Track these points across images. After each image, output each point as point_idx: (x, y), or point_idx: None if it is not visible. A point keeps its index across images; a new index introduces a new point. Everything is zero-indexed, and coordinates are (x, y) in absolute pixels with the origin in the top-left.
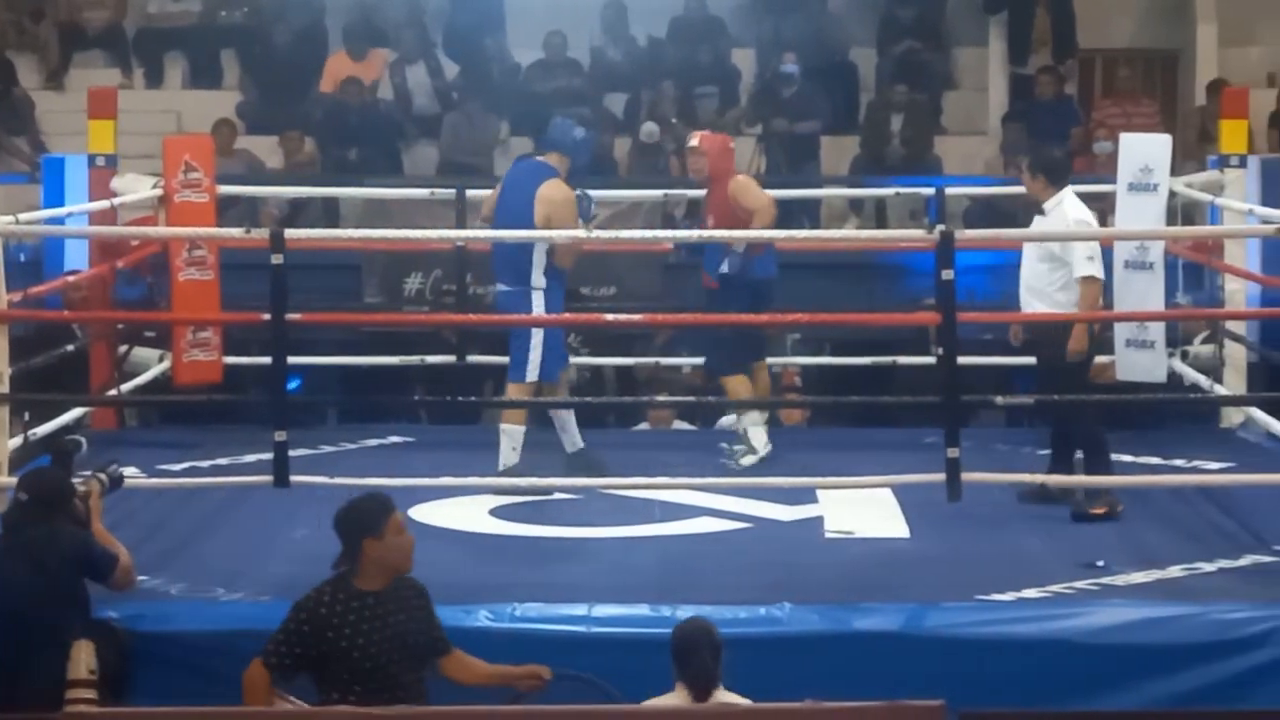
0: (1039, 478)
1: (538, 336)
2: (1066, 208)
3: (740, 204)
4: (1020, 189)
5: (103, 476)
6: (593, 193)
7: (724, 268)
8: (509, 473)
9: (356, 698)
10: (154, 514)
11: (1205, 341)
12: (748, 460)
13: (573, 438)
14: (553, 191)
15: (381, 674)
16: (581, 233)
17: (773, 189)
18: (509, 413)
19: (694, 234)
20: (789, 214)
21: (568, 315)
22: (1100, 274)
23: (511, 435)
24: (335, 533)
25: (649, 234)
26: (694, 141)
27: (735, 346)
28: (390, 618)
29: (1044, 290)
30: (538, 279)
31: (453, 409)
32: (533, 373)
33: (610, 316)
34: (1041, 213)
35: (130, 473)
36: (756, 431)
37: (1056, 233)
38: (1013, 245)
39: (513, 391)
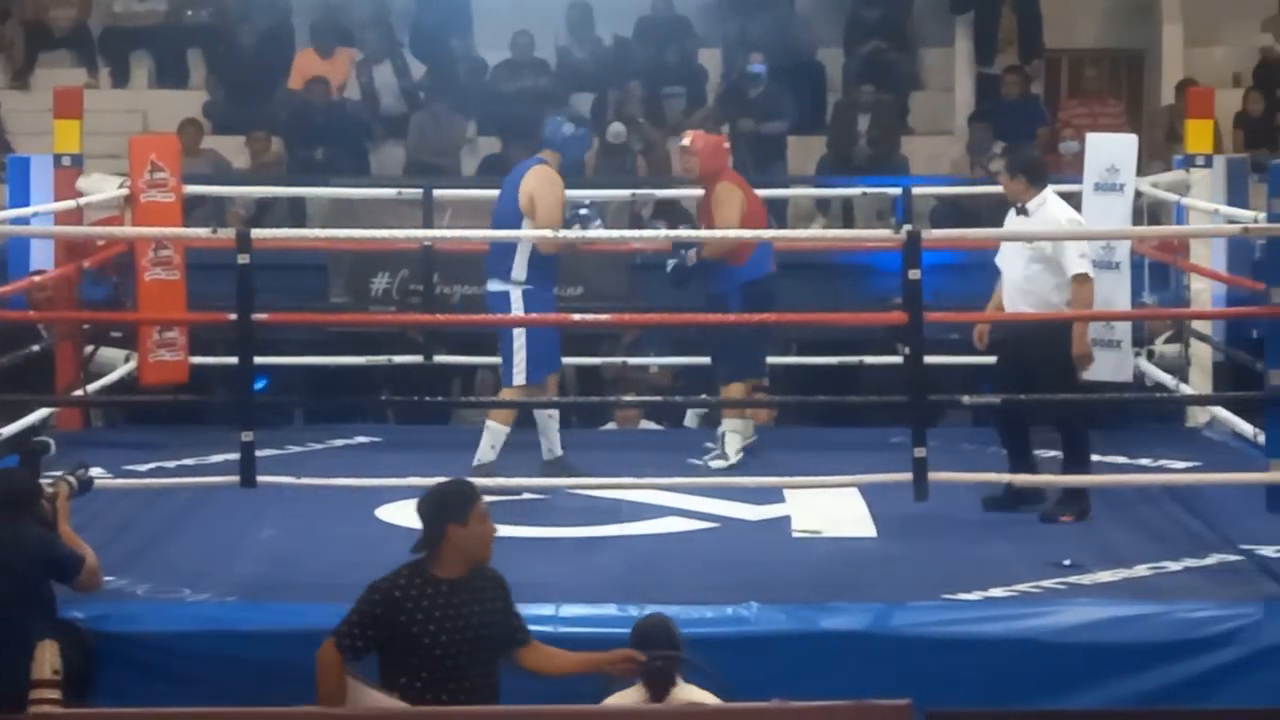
0: (1005, 477)
1: (520, 338)
2: (1054, 209)
3: (716, 214)
4: (987, 189)
5: (72, 479)
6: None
7: (668, 265)
8: (482, 469)
9: (422, 684)
10: (120, 514)
11: (1170, 341)
12: (718, 464)
13: (552, 444)
14: (534, 177)
15: (451, 663)
16: (547, 232)
17: None
18: (497, 411)
19: (661, 233)
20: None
21: (534, 315)
22: (1093, 272)
23: (494, 433)
24: (419, 516)
25: (616, 234)
26: (686, 141)
27: (742, 352)
28: (465, 607)
29: (1037, 292)
30: (519, 273)
31: (420, 409)
32: (519, 375)
33: (578, 316)
34: (1023, 213)
35: (96, 473)
36: (734, 439)
37: (1023, 232)
38: (979, 245)
39: (506, 395)
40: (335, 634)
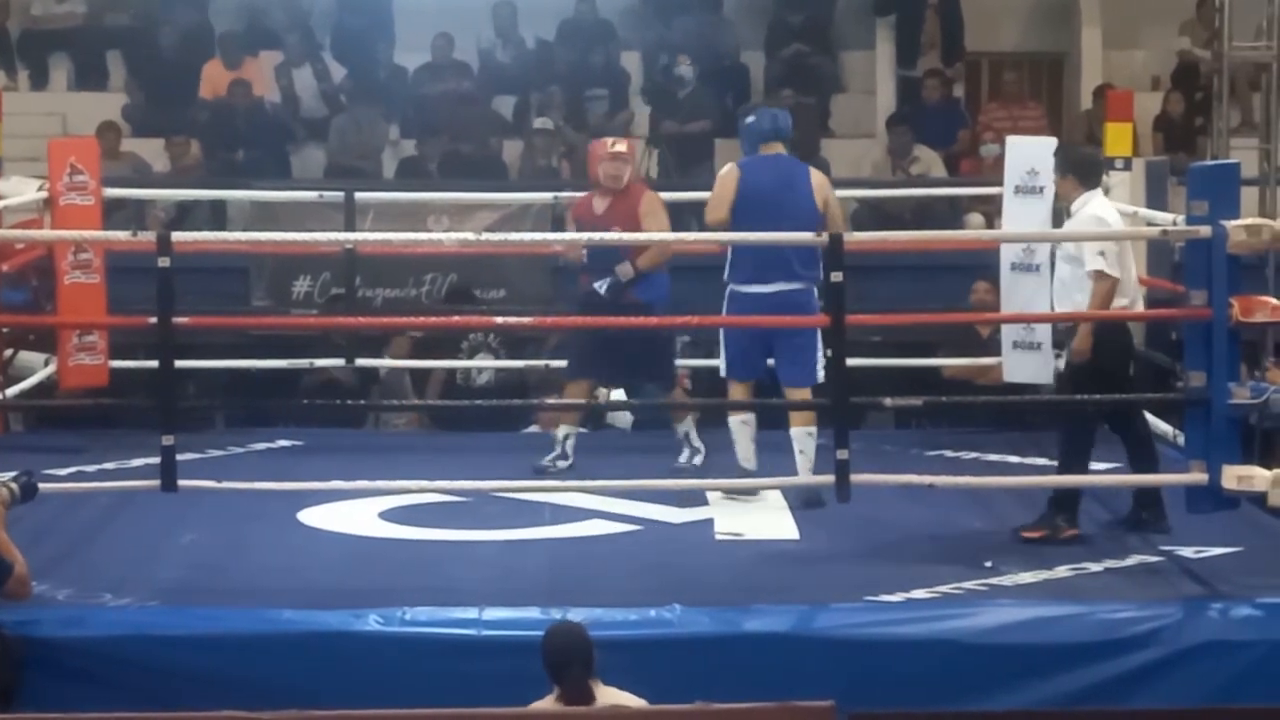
0: (926, 479)
1: (818, 340)
2: (1090, 209)
3: (645, 224)
4: (908, 191)
5: (13, 486)
6: (487, 195)
7: (600, 286)
8: (747, 474)
9: None
10: (39, 519)
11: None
12: (698, 460)
13: (746, 455)
14: (821, 180)
15: None
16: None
17: (663, 190)
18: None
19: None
20: (679, 216)
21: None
22: (1113, 270)
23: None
24: None
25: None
26: (621, 147)
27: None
28: None
29: (1066, 293)
30: (821, 272)
31: (340, 413)
32: (820, 373)
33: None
34: (1069, 214)
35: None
36: (693, 433)
37: (950, 235)
38: (899, 248)
39: (797, 396)
40: None
